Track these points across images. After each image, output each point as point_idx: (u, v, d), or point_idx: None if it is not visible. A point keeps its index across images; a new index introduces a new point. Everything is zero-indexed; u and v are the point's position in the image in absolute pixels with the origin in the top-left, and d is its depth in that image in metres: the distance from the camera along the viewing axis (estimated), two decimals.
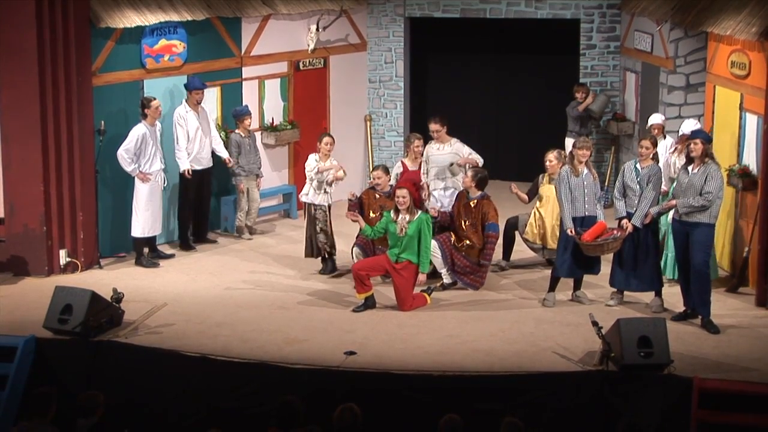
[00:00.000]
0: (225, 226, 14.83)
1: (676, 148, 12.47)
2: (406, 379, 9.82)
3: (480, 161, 12.74)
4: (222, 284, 12.61)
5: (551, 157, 12.76)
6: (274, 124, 15.50)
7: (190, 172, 13.70)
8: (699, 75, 14.11)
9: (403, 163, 13.16)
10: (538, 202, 12.97)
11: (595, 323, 9.79)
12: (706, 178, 10.83)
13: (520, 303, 11.94)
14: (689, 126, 12.41)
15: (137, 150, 13.06)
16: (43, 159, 12.45)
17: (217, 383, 10.08)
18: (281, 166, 15.88)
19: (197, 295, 12.17)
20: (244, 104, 14.83)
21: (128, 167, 13.08)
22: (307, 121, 16.04)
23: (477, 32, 17.47)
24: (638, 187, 11.38)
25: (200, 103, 13.84)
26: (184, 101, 13.82)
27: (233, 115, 14.50)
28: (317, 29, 15.86)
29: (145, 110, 13.16)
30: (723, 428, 9.26)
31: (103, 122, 13.08)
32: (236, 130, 14.42)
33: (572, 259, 11.59)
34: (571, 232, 11.45)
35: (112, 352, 10.47)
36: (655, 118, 13.23)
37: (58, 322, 10.60)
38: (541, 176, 13.01)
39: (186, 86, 13.80)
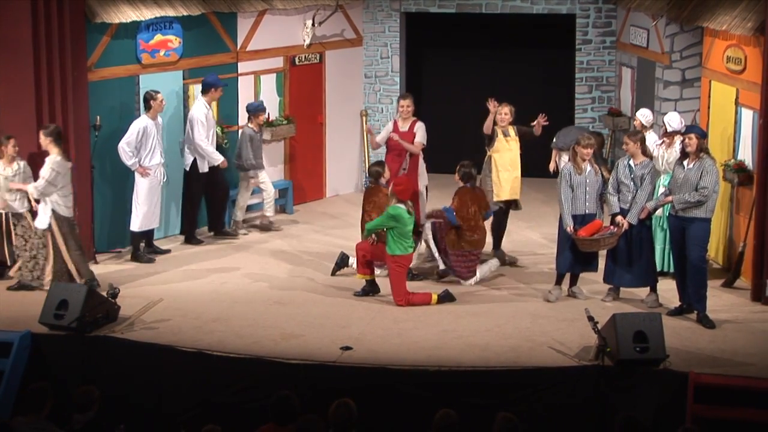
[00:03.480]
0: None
1: (663, 141, 12.41)
2: (402, 374, 9.82)
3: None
4: (218, 279, 12.60)
5: (506, 110, 12.88)
6: (270, 120, 15.50)
7: (226, 163, 13.97)
8: (695, 70, 14.11)
9: (395, 121, 13.19)
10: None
11: (590, 318, 9.77)
12: (702, 173, 10.83)
13: (516, 298, 11.94)
14: (675, 120, 12.36)
15: (138, 143, 13.04)
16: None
17: (213, 378, 10.08)
18: (277, 161, 15.87)
19: (193, 290, 12.16)
20: (259, 99, 14.94)
21: (128, 161, 13.06)
22: (303, 116, 16.03)
23: (473, 27, 17.46)
24: (632, 183, 11.36)
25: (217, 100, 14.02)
26: (202, 99, 13.82)
27: (248, 110, 14.55)
28: (313, 24, 15.86)
29: (151, 102, 13.13)
30: (718, 423, 9.26)
31: (98, 117, 13.06)
32: (249, 125, 14.46)
33: (572, 255, 11.58)
34: (570, 230, 11.44)
35: (107, 347, 10.47)
36: (640, 114, 12.91)
37: (54, 317, 10.59)
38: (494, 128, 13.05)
39: (209, 84, 13.79)
